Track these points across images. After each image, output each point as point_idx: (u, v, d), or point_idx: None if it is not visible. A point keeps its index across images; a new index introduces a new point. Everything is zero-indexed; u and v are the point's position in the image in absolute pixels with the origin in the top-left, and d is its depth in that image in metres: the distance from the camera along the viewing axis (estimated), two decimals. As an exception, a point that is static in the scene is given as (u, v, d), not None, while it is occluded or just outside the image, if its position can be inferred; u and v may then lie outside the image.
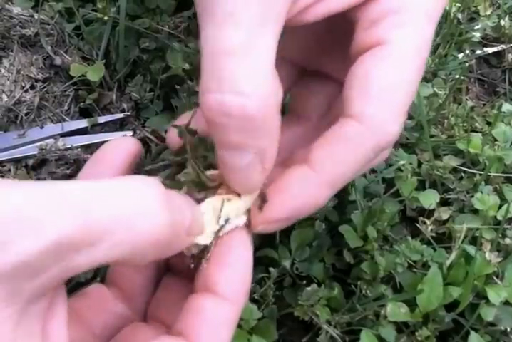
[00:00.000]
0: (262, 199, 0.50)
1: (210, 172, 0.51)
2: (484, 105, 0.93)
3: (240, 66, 0.44)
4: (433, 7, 0.52)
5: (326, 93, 0.62)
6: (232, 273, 0.48)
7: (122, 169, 0.52)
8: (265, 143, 0.47)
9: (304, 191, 0.49)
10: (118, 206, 0.39)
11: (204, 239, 0.48)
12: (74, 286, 0.64)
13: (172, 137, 0.57)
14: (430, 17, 0.52)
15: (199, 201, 0.49)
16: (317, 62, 0.62)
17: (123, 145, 0.53)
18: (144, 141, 0.83)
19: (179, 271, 0.55)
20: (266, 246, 0.74)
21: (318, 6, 0.50)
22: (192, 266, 0.49)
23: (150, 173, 0.54)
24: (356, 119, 0.49)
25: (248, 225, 0.51)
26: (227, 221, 0.48)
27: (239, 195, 0.50)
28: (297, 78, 0.65)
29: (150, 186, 0.42)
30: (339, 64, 0.58)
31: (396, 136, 0.50)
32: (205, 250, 0.48)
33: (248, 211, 0.51)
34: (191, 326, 0.46)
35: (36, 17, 0.89)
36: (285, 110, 0.64)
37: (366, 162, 0.50)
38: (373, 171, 0.79)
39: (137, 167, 0.68)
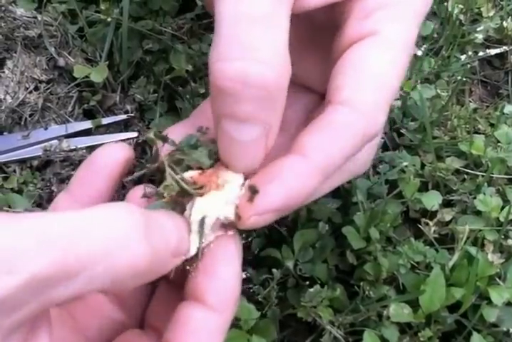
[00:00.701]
0: (252, 190, 0.48)
1: (189, 174, 0.50)
2: (487, 106, 0.93)
3: (264, 34, 0.44)
4: (421, 4, 0.53)
5: (304, 104, 0.60)
6: (220, 283, 0.47)
7: (113, 175, 0.52)
8: (273, 117, 0.47)
9: (296, 179, 0.47)
10: (95, 240, 0.38)
11: (191, 249, 0.47)
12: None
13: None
14: (417, 13, 0.52)
15: (185, 206, 0.48)
16: (292, 73, 0.62)
17: (114, 151, 0.53)
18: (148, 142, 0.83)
19: (172, 278, 0.55)
20: (269, 247, 0.74)
21: None
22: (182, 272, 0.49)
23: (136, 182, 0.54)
24: (347, 105, 0.48)
25: (235, 222, 0.48)
26: (203, 218, 0.47)
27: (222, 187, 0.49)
28: None
29: (128, 215, 0.41)
30: (314, 74, 0.58)
31: (382, 127, 0.50)
32: (192, 259, 0.47)
33: (235, 207, 0.48)
34: (179, 337, 0.46)
35: (39, 18, 0.89)
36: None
37: (354, 149, 0.49)
38: (376, 173, 0.79)
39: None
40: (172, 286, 0.54)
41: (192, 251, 0.47)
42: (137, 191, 0.53)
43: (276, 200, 0.47)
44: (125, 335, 0.52)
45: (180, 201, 0.49)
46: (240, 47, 0.43)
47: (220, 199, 0.48)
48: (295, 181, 0.47)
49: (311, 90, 0.60)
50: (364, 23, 0.51)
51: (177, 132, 0.54)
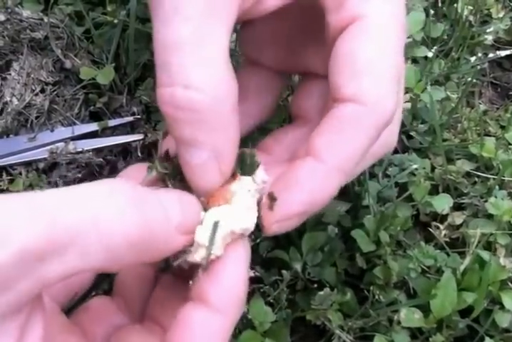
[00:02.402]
0: (271, 198, 0.49)
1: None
2: (497, 108, 0.93)
3: (189, 59, 0.45)
4: None
5: (320, 91, 0.61)
6: (224, 285, 0.46)
7: None
8: (219, 140, 0.47)
9: (314, 182, 0.48)
10: (84, 210, 0.38)
11: (200, 253, 0.46)
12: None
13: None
14: None
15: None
16: (300, 63, 0.62)
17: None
18: (156, 145, 0.82)
19: (176, 271, 0.54)
20: (278, 248, 0.73)
21: None
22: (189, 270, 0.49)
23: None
24: (351, 100, 0.48)
25: (256, 230, 0.49)
26: (216, 224, 0.46)
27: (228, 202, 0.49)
28: (285, 83, 0.65)
29: (117, 187, 0.41)
30: (320, 60, 0.58)
31: (393, 112, 0.49)
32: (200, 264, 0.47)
33: (258, 217, 0.49)
34: (181, 337, 0.46)
35: (45, 20, 0.89)
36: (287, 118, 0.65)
37: (370, 142, 0.49)
38: (386, 175, 0.78)
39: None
40: (175, 280, 0.54)
41: (200, 256, 0.47)
42: (130, 171, 0.55)
43: (296, 206, 0.48)
44: (125, 331, 0.52)
45: None
46: (168, 73, 0.45)
47: (232, 211, 0.48)
48: (313, 184, 0.48)
49: (323, 77, 0.59)
50: (341, 12, 0.50)
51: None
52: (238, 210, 0.48)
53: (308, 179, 0.48)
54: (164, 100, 0.45)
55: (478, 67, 0.91)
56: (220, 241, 0.46)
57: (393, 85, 0.49)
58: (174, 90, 0.45)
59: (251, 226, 0.48)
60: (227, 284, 0.47)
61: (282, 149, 0.60)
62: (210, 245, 0.46)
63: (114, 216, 0.39)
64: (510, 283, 0.71)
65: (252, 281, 0.72)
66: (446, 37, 0.91)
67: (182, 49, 0.45)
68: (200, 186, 0.49)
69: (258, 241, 0.73)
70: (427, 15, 0.89)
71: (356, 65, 0.49)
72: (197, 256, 0.46)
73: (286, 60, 0.62)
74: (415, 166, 0.77)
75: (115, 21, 0.87)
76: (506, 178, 0.80)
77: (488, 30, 0.90)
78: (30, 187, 0.79)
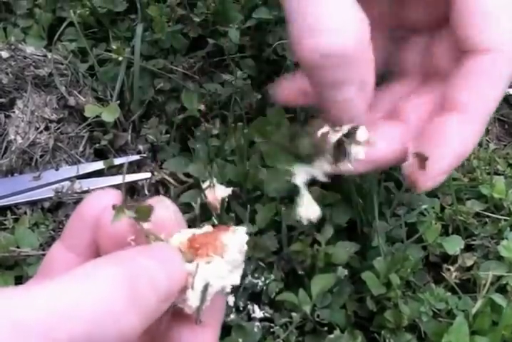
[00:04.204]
0: (421, 158, 0.53)
1: (189, 231, 0.48)
2: (505, 146, 0.92)
3: (324, 9, 0.48)
4: None
5: (420, 48, 0.63)
6: None
7: (102, 223, 0.50)
8: (364, 73, 0.51)
9: (464, 135, 0.52)
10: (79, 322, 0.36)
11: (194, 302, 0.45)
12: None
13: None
14: None
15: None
16: (402, 18, 0.64)
17: (100, 199, 0.51)
18: (162, 183, 0.82)
19: None
20: (286, 290, 0.72)
21: None
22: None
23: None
24: (486, 50, 0.51)
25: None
26: (206, 286, 0.45)
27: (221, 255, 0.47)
28: (389, 40, 0.66)
29: (112, 284, 0.39)
30: (423, 16, 0.61)
31: None
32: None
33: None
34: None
35: (49, 57, 0.88)
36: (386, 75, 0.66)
37: (506, 87, 0.53)
38: (394, 214, 0.78)
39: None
40: None
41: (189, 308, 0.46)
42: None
43: (448, 163, 0.53)
44: None
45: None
46: (309, 27, 0.48)
47: (224, 268, 0.47)
48: (464, 139, 0.53)
49: (422, 33, 0.63)
50: None
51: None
52: (228, 267, 0.47)
53: (458, 133, 0.52)
54: (308, 51, 0.49)
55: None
56: (208, 297, 0.46)
57: None
58: (318, 40, 0.48)
59: (238, 282, 0.47)
60: None
61: (380, 106, 0.63)
62: (201, 305, 0.45)
63: (114, 323, 0.38)
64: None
65: (263, 320, 0.72)
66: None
67: (316, 4, 0.48)
68: (349, 116, 0.54)
69: (267, 282, 0.73)
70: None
71: (485, 14, 0.51)
72: (185, 307, 0.45)
73: (388, 16, 0.64)
74: (424, 206, 0.76)
75: (120, 59, 0.86)
76: (517, 219, 0.79)
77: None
78: (35, 225, 0.78)
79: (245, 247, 0.48)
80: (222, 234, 0.48)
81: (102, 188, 0.79)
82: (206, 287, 0.45)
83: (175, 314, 0.47)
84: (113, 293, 0.38)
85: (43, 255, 0.64)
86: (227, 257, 0.47)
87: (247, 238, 0.49)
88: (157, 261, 0.43)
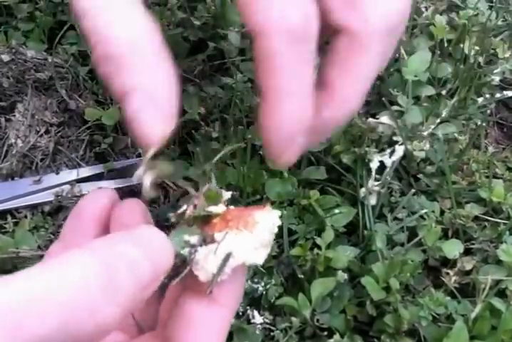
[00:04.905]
0: None
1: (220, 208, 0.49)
2: (503, 149, 0.92)
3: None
4: None
5: None
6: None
7: (101, 222, 0.51)
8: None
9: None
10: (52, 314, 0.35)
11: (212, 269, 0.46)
12: None
13: None
14: None
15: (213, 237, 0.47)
16: None
17: (99, 197, 0.52)
18: (162, 186, 0.82)
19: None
20: (286, 295, 0.73)
21: None
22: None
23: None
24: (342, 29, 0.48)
25: None
26: (229, 255, 0.45)
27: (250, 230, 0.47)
28: None
29: (89, 274, 0.38)
30: None
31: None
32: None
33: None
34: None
35: (49, 60, 0.88)
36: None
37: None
38: (394, 218, 0.78)
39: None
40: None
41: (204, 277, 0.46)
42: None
43: None
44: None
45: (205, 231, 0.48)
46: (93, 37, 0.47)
47: (251, 243, 0.47)
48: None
49: None
50: None
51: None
52: (255, 243, 0.47)
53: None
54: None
55: (488, 111, 0.91)
56: (227, 269, 0.46)
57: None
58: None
59: (261, 262, 0.47)
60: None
61: None
62: (218, 274, 0.45)
63: (91, 315, 0.37)
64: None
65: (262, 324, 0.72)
66: (450, 77, 0.91)
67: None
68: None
69: (267, 287, 0.73)
70: (433, 55, 0.89)
71: None
72: (200, 274, 0.46)
73: None
74: (425, 210, 0.76)
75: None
76: (516, 223, 0.79)
77: (494, 71, 0.90)
78: (35, 228, 0.78)
79: (276, 229, 0.48)
80: (256, 212, 0.48)
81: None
82: (228, 256, 0.45)
83: (190, 288, 0.47)
84: (88, 283, 0.37)
85: (42, 257, 0.65)
86: (255, 234, 0.47)
87: (279, 222, 0.49)
88: (138, 246, 0.42)
